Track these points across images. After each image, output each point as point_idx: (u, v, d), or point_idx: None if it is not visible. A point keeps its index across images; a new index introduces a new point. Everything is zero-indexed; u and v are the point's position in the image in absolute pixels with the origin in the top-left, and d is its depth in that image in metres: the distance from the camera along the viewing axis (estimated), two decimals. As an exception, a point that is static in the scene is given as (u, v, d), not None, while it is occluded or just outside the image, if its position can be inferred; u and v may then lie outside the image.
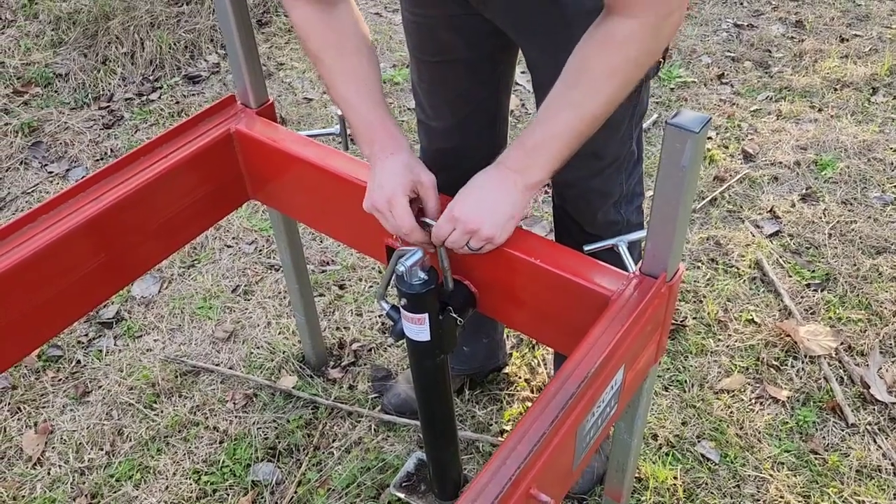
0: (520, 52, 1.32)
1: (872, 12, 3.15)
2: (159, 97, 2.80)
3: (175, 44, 3.01)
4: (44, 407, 1.76)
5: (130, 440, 1.68)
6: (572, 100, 0.97)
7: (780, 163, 2.40)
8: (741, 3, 3.28)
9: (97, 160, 2.50)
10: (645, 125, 2.56)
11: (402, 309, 1.08)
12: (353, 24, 1.12)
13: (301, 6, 1.09)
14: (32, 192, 2.37)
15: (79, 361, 1.85)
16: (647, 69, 0.98)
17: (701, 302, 1.96)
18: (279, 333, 1.91)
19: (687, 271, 2.04)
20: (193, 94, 2.82)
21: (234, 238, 2.19)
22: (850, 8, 3.20)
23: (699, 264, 2.07)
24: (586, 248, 1.16)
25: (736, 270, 2.05)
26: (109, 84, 2.84)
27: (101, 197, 1.18)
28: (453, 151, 1.40)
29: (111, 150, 2.54)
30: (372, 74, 1.12)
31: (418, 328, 1.07)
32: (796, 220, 2.19)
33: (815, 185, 2.31)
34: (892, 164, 2.37)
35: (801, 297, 1.96)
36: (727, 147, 2.48)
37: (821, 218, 2.19)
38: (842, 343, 1.84)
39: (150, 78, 2.90)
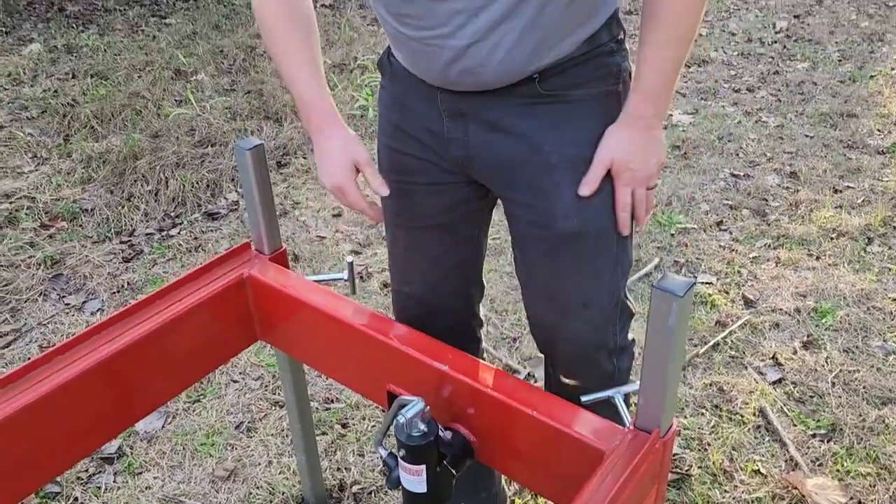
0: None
1: (864, 165, 3.30)
2: (179, 233, 2.92)
3: (198, 182, 3.17)
4: (35, 546, 1.72)
5: (120, 584, 1.64)
6: (661, 40, 1.12)
7: (781, 309, 2.44)
8: (737, 154, 3.44)
9: (114, 293, 2.58)
10: (646, 269, 2.64)
11: (399, 459, 1.09)
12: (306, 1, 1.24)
13: None
14: (48, 323, 2.43)
15: (76, 499, 1.83)
16: None
17: (706, 450, 1.94)
18: (280, 473, 1.90)
19: (691, 418, 2.04)
20: (211, 230, 2.94)
21: (241, 373, 2.22)
22: (842, 161, 3.35)
23: (703, 411, 2.06)
24: (583, 398, 1.18)
25: (740, 418, 2.04)
26: (132, 219, 2.97)
27: (116, 339, 1.23)
28: (426, 318, 1.43)
29: (128, 283, 2.62)
30: (316, 54, 1.24)
31: (415, 479, 1.08)
32: (799, 367, 2.20)
33: (815, 333, 2.33)
34: (892, 313, 2.41)
35: (807, 448, 1.94)
36: (728, 292, 2.54)
37: (823, 366, 2.20)
38: (851, 498, 1.80)
39: (172, 214, 3.03)
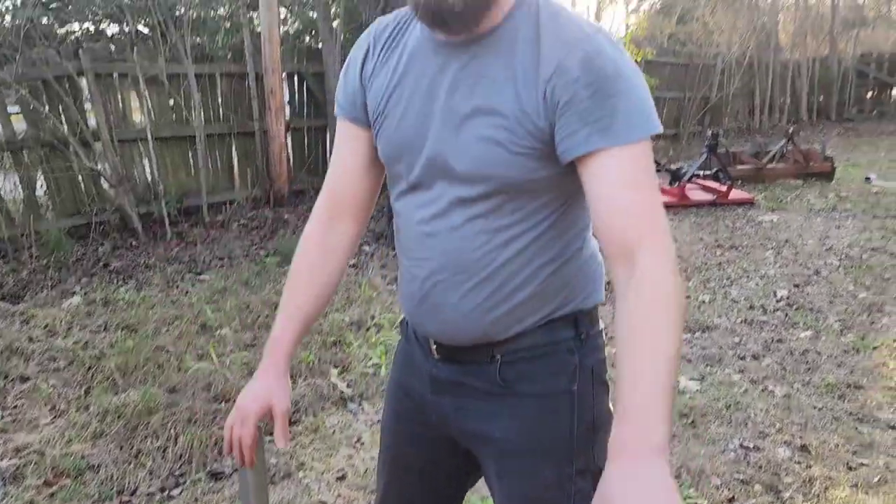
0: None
1: (876, 440, 3.26)
2: (180, 493, 2.89)
3: (206, 439, 3.20)
4: None
5: None
6: (645, 355, 1.02)
7: None
8: (746, 424, 3.43)
9: (104, 559, 2.50)
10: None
11: None
12: (335, 261, 1.42)
13: (313, 223, 1.43)
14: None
15: None
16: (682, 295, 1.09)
17: None
18: None
19: None
20: (213, 492, 2.91)
21: None
22: (854, 435, 3.31)
23: None
24: None
25: None
26: (136, 477, 2.96)
27: None
28: None
29: (120, 549, 2.55)
30: (308, 310, 1.40)
31: None
32: None
33: None
34: None
35: None
36: (743, 581, 2.40)
37: None
38: None
39: (176, 473, 3.03)
